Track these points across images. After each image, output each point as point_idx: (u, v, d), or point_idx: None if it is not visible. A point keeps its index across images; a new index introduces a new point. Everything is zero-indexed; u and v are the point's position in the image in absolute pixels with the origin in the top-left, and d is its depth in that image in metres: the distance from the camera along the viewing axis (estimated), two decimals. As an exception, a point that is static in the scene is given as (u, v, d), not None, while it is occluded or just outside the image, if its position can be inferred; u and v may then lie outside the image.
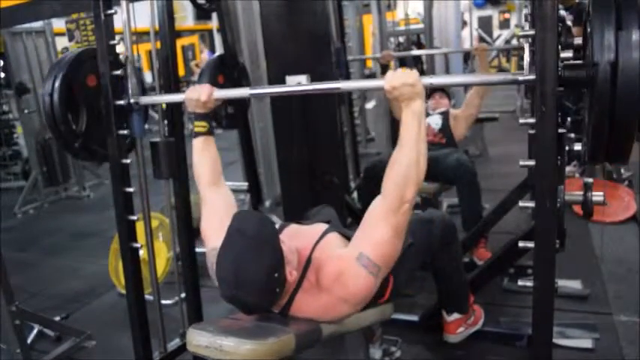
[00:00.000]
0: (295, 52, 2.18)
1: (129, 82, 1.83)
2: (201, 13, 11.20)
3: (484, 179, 3.00)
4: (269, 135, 3.25)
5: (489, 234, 2.90)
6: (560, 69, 1.18)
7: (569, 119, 1.50)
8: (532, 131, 1.34)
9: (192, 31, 12.10)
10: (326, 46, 2.25)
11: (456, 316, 2.05)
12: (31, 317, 2.49)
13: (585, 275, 2.62)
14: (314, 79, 2.04)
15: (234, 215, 1.35)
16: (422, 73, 5.01)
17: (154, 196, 2.15)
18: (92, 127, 1.88)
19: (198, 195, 1.63)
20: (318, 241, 1.45)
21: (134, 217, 1.93)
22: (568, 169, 3.60)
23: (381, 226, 1.35)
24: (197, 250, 2.07)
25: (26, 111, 5.19)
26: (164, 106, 2.05)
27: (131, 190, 1.91)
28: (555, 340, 1.83)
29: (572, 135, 1.43)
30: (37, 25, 5.16)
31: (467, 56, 7.13)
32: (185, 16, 12.24)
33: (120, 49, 1.86)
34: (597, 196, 1.34)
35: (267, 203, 3.75)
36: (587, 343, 2.12)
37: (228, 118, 2.49)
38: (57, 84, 1.78)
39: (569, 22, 1.33)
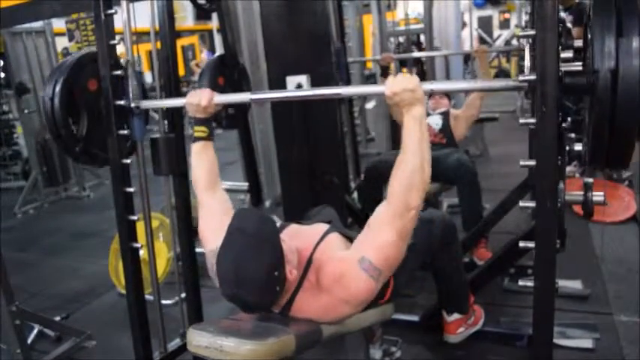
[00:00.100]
0: (295, 52, 2.18)
1: (129, 85, 1.83)
2: (201, 13, 11.20)
3: (484, 179, 2.99)
4: (269, 135, 3.24)
5: (490, 234, 2.90)
6: (560, 73, 1.18)
7: (569, 119, 1.49)
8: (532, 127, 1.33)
9: (192, 32, 12.10)
10: (326, 46, 2.25)
11: (456, 316, 2.05)
12: (31, 317, 2.49)
13: (586, 275, 2.62)
14: (314, 79, 2.04)
15: (235, 213, 1.35)
16: (422, 73, 5.03)
17: (154, 196, 2.15)
18: (93, 131, 1.88)
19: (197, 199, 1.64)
20: (319, 242, 1.45)
21: (134, 217, 1.93)
22: (568, 169, 3.60)
23: (386, 230, 1.34)
24: (197, 250, 2.07)
25: (26, 111, 5.20)
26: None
27: (131, 190, 1.91)
28: (556, 340, 1.82)
29: (573, 135, 1.43)
30: (37, 25, 5.17)
31: (467, 57, 7.12)
32: (185, 17, 12.25)
33: (120, 49, 1.86)
34: (597, 196, 1.34)
35: (268, 203, 3.74)
36: (587, 343, 2.13)
37: (229, 118, 2.49)
38: (58, 88, 1.78)
39: (569, 24, 1.34)
